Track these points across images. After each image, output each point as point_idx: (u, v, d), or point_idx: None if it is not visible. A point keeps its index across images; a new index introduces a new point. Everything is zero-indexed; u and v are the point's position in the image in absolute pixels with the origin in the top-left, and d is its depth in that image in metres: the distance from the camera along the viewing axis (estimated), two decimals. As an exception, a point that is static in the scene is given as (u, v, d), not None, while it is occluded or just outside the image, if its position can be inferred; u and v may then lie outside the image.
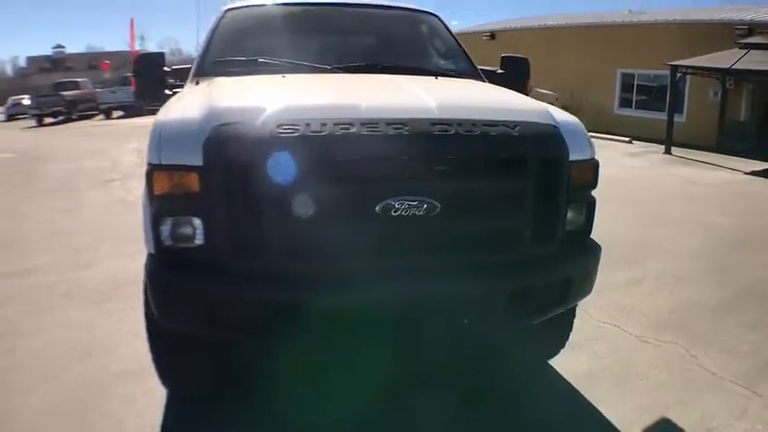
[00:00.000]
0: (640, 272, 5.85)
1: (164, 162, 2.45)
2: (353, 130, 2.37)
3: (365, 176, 2.39)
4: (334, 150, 2.35)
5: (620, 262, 6.10)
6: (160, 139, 2.49)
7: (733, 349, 4.11)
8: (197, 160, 2.38)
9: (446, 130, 2.46)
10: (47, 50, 74.74)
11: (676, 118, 16.75)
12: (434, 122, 2.48)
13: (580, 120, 3.00)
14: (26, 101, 31.83)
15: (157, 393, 3.35)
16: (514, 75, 4.38)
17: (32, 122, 28.59)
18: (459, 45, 4.45)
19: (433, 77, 3.62)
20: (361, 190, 2.40)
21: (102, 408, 3.32)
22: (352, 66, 3.67)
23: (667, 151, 15.87)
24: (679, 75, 16.48)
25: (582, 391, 3.51)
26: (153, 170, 2.46)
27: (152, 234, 2.50)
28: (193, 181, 2.40)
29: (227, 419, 3.21)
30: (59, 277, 5.49)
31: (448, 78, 3.76)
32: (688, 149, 15.85)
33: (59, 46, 73.96)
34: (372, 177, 2.40)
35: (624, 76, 21.46)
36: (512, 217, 2.62)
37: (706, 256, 6.46)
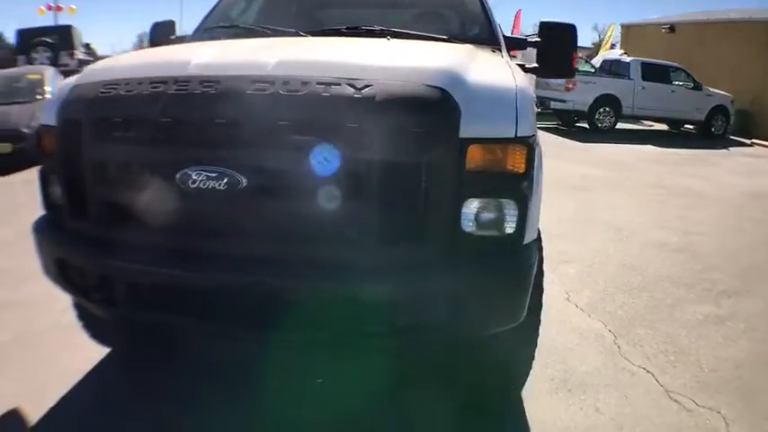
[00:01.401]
0: (729, 309, 4.65)
1: (42, 121, 2.56)
2: (162, 88, 2.15)
3: (167, 140, 2.13)
4: (140, 110, 2.16)
5: (711, 293, 4.96)
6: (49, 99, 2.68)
7: (799, 433, 2.99)
8: (55, 120, 2.41)
9: (262, 89, 1.99)
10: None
11: None
12: (255, 80, 2.07)
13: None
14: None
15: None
16: (555, 44, 3.53)
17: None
18: (485, 9, 3.78)
19: (385, 39, 3.01)
20: (163, 155, 2.17)
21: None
22: (328, 30, 3.27)
23: (844, 170, 13.30)
24: None
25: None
26: (39, 128, 2.61)
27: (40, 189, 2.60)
28: (53, 141, 2.43)
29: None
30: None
31: (414, 41, 3.06)
32: None
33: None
34: (174, 141, 2.12)
35: (813, 79, 18.34)
36: (342, 205, 1.99)
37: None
